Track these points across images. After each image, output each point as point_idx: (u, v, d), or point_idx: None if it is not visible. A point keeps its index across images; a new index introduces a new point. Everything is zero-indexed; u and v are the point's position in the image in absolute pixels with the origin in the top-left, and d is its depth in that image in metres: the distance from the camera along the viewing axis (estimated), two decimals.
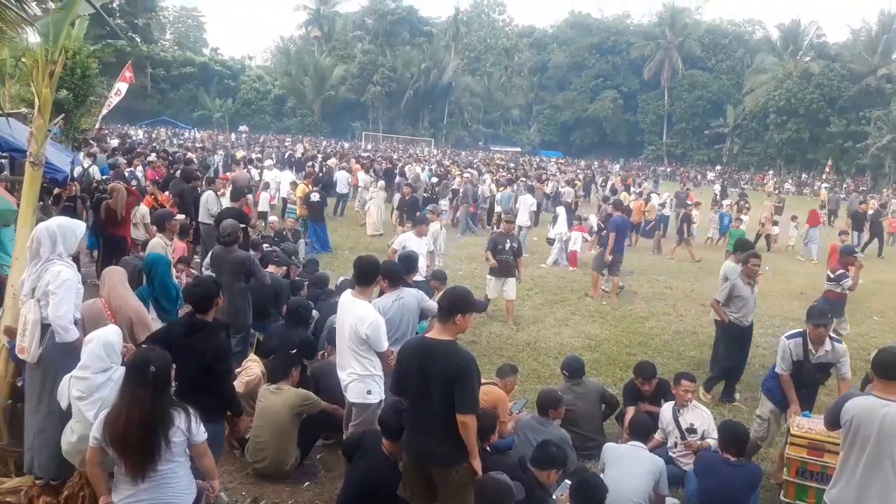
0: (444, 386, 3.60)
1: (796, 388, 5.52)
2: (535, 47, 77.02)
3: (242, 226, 7.73)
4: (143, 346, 4.03)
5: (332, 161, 25.59)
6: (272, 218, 12.23)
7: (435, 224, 10.97)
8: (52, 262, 4.15)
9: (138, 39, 60.34)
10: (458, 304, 3.77)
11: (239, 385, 5.40)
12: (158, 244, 7.34)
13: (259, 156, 26.92)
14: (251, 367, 5.64)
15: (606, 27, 73.47)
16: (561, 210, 16.23)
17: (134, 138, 32.44)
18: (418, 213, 10.67)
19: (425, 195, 18.67)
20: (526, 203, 16.88)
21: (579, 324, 10.11)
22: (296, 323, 6.25)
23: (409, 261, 6.79)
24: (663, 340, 9.59)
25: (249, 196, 15.60)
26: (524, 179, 23.90)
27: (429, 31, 77.18)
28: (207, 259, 7.54)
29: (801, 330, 5.61)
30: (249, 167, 20.54)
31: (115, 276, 4.94)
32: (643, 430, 5.14)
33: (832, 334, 5.56)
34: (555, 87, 73.91)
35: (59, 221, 4.30)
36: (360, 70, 67.13)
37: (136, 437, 3.22)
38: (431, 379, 3.65)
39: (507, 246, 9.64)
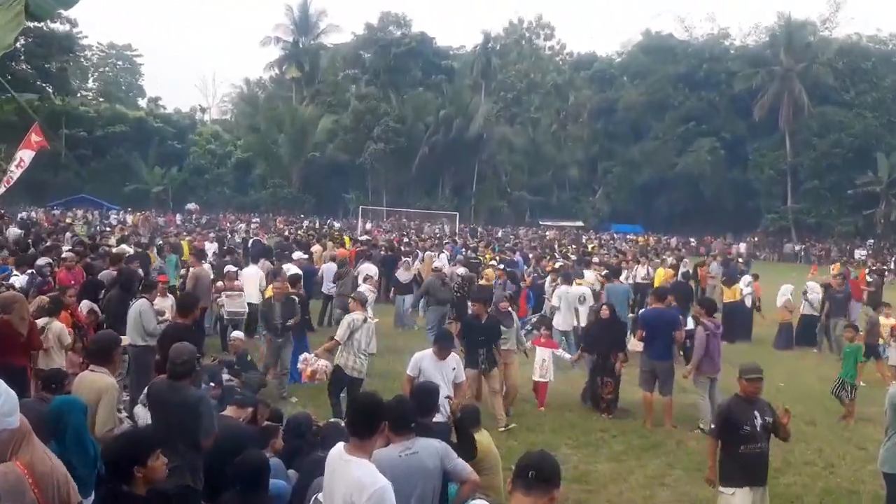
0: None
1: None
2: (598, 82, 79.05)
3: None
4: None
5: (317, 248, 25.88)
6: (236, 333, 12.33)
7: (357, 314, 11.03)
8: None
9: (51, 90, 63.09)
10: (560, 474, 3.84)
11: None
12: (109, 384, 6.80)
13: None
14: None
15: (696, 51, 75.13)
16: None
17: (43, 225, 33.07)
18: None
19: (457, 295, 17.68)
20: (568, 297, 16.15)
21: (680, 482, 9.81)
22: (252, 491, 6.07)
23: (425, 394, 6.74)
24: None
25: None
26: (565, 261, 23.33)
27: (449, 65, 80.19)
28: (142, 396, 7.54)
29: None
30: (227, 258, 20.07)
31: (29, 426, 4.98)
32: None
33: None
34: (628, 137, 75.32)
35: None
36: (355, 121, 69.23)
37: None
38: None
39: None
